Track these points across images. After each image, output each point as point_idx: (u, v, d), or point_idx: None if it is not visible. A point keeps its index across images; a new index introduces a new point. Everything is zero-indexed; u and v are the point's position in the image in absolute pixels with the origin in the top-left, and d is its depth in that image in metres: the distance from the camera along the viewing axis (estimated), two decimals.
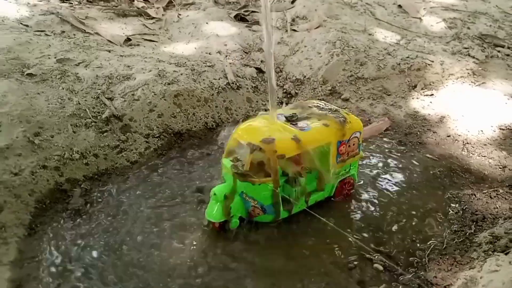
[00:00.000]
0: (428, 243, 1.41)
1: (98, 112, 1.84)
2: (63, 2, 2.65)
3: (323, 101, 1.62)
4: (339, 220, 1.51)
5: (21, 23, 2.34)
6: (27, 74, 1.89)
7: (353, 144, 1.53)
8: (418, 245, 1.41)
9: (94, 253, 1.38)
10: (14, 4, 2.54)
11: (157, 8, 2.72)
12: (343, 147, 1.50)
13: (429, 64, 2.36)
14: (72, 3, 2.66)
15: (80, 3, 2.69)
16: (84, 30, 2.39)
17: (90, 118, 1.80)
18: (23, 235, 1.42)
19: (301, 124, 1.46)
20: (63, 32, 2.35)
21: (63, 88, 1.88)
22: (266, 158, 1.37)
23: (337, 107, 1.55)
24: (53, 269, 1.32)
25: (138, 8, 2.70)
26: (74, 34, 2.34)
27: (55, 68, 1.97)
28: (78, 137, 1.73)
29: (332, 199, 1.57)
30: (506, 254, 1.22)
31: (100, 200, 1.59)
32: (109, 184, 1.66)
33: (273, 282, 1.28)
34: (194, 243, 1.41)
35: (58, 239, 1.42)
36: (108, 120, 1.82)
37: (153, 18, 2.67)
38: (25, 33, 2.23)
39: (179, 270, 1.32)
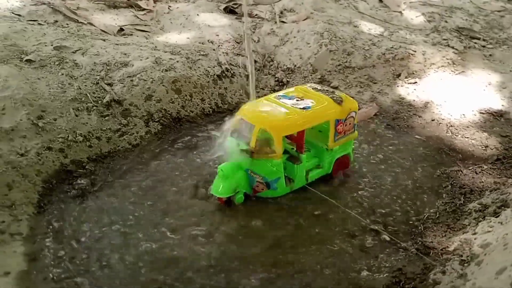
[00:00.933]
0: (423, 213, 1.51)
1: (99, 97, 1.87)
2: None
3: (319, 84, 1.70)
4: (339, 195, 1.59)
5: (13, 13, 2.34)
6: (26, 60, 1.91)
7: (349, 124, 1.62)
8: (413, 216, 1.51)
9: (102, 229, 1.42)
10: None
11: (147, 0, 2.76)
12: (341, 126, 1.59)
13: (412, 54, 2.47)
14: None
15: None
16: (77, 20, 2.40)
17: (91, 103, 1.83)
18: (33, 213, 1.45)
19: (302, 104, 1.54)
20: (56, 21, 2.36)
21: (62, 74, 1.90)
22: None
23: (333, 89, 1.64)
24: (65, 244, 1.36)
25: (129, 0, 2.73)
26: (67, 24, 2.36)
27: (52, 55, 1.99)
28: (81, 120, 1.76)
29: (330, 176, 1.65)
30: (496, 217, 1.33)
31: (104, 180, 1.62)
32: (112, 165, 1.70)
33: (279, 249, 1.36)
34: (200, 218, 1.46)
35: (67, 216, 1.46)
36: (109, 104, 1.85)
37: (144, 9, 2.70)
38: (18, 22, 2.23)
39: (186, 246, 1.36)
